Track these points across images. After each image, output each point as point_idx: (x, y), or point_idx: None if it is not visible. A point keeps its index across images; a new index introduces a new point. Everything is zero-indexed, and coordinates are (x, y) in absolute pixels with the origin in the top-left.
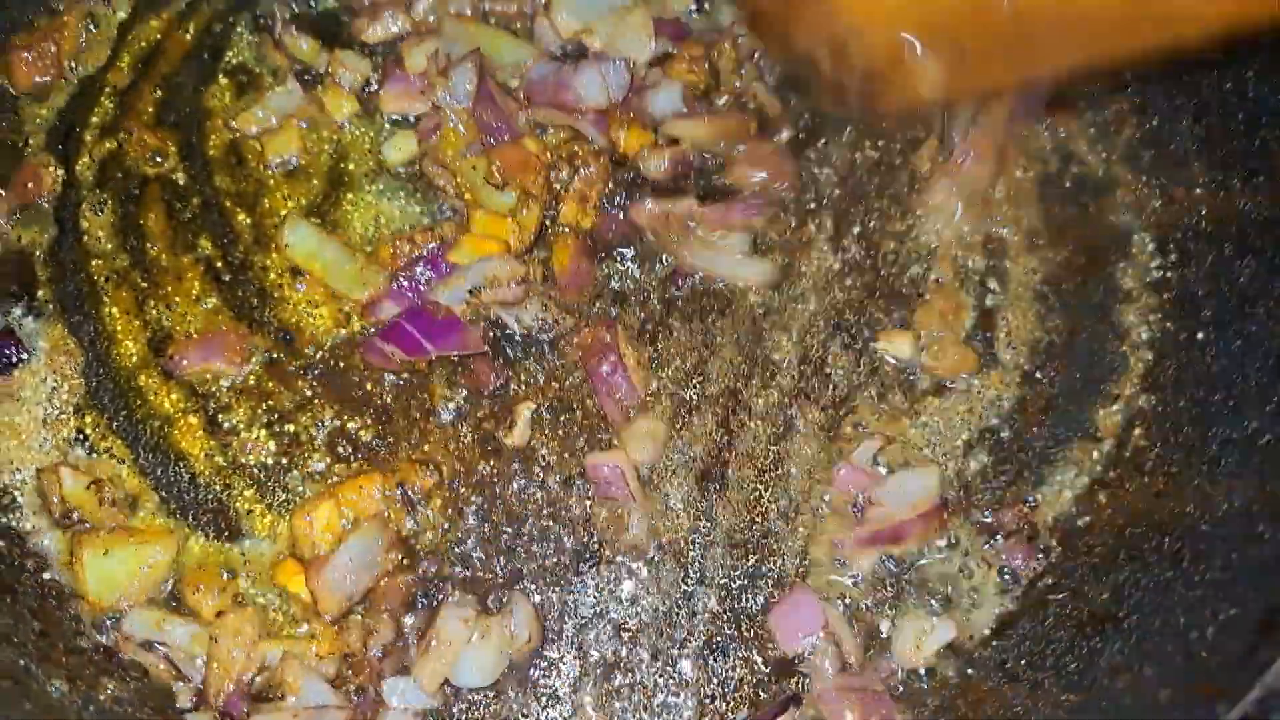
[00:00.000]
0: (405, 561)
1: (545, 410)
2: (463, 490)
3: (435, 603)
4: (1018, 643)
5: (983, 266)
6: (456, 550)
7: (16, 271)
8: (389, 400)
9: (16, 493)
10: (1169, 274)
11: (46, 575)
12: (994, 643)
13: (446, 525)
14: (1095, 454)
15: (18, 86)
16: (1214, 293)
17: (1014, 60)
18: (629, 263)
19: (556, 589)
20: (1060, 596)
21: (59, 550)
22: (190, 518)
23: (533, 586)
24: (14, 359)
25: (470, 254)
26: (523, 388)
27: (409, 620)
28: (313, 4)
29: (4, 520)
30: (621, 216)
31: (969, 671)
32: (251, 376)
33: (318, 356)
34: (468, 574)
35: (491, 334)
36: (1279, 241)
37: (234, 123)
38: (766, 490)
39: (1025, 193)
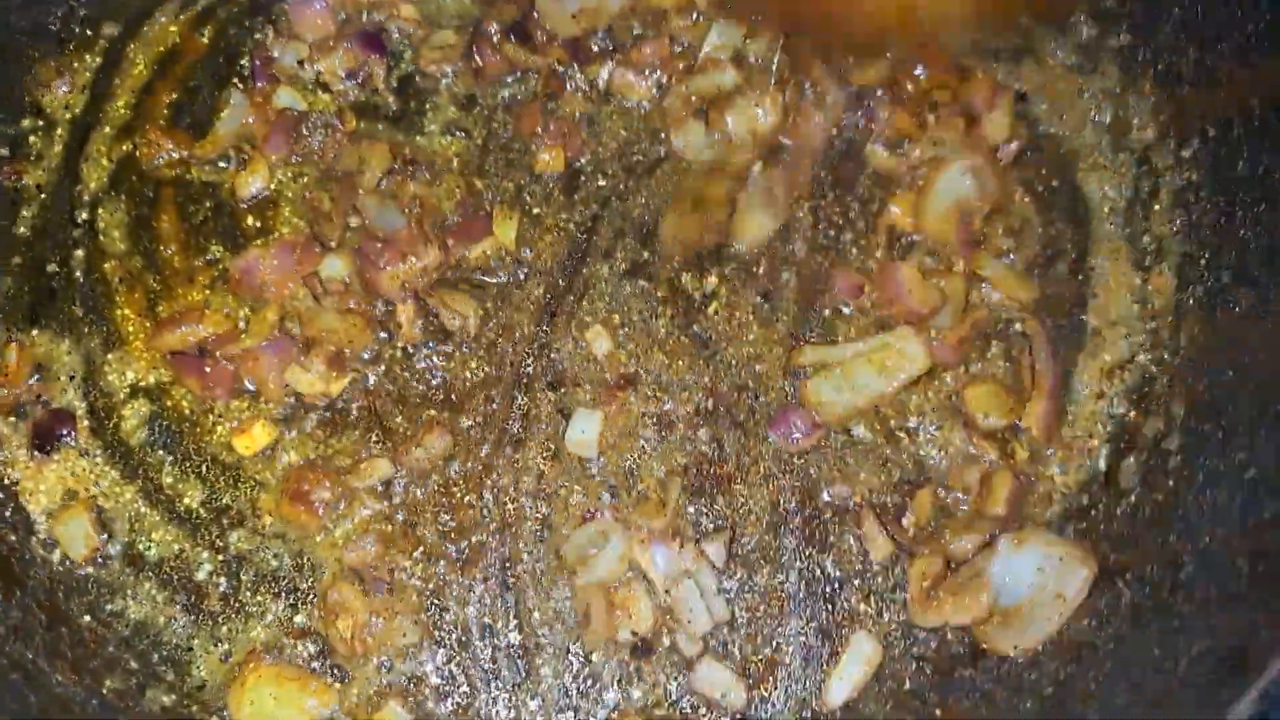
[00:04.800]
0: None
1: None
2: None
3: None
4: (996, 664)
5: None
6: None
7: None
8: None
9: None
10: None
11: (54, 562)
12: (974, 664)
13: None
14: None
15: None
16: (1210, 320)
17: None
18: None
19: None
20: None
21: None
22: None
23: None
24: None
25: None
26: None
27: None
28: None
29: (10, 512)
30: None
31: (947, 692)
32: None
33: None
34: None
35: None
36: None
37: None
38: None
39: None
